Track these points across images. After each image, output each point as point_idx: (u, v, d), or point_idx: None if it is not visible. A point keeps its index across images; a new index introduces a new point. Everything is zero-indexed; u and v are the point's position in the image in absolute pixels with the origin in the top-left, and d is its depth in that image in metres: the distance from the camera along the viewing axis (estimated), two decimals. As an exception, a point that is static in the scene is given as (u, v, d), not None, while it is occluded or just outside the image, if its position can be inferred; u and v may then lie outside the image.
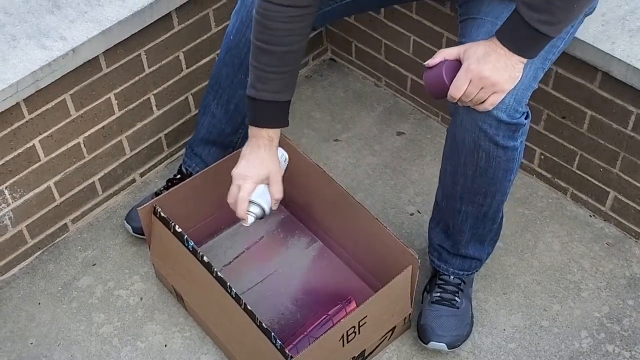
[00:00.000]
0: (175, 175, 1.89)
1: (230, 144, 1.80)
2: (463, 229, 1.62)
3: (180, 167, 1.89)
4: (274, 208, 1.57)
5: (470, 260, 1.69)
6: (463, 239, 1.64)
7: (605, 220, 1.91)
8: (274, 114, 1.52)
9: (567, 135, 1.85)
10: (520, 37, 1.33)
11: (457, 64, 1.39)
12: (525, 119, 1.43)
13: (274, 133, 1.53)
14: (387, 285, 1.53)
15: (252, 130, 1.53)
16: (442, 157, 1.58)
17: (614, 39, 1.64)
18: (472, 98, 1.36)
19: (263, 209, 1.54)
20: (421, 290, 1.75)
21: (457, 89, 1.36)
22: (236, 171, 1.53)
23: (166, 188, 1.86)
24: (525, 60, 1.36)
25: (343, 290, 1.74)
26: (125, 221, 1.90)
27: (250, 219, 1.53)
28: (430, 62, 1.41)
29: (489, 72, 1.34)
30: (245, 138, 1.77)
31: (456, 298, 1.68)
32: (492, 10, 1.47)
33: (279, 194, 1.55)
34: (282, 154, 1.60)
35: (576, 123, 1.81)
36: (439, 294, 1.69)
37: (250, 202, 1.52)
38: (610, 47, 1.62)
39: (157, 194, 1.86)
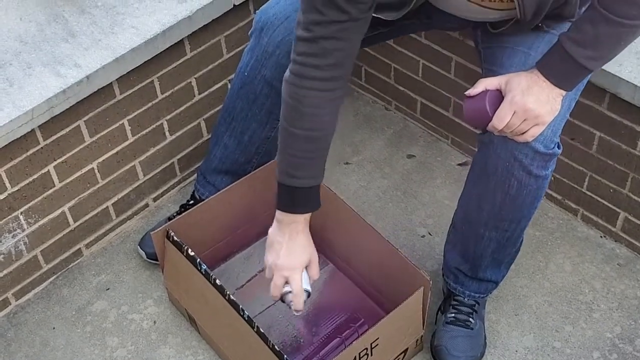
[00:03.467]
0: (188, 201, 1.91)
1: (244, 172, 1.82)
2: (485, 254, 1.62)
3: (194, 193, 1.91)
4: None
5: (487, 283, 1.69)
6: (483, 264, 1.64)
7: (616, 240, 1.91)
8: (311, 199, 1.49)
9: (576, 157, 1.86)
10: (565, 72, 1.34)
11: (499, 94, 1.38)
12: (558, 148, 1.44)
13: (309, 215, 1.51)
14: (398, 307, 1.53)
15: (288, 217, 1.48)
16: (467, 182, 1.58)
17: (622, 61, 1.65)
18: (513, 129, 1.36)
19: (310, 293, 1.54)
20: (435, 311, 1.75)
21: (501, 121, 1.35)
22: (279, 262, 1.49)
23: (179, 214, 1.88)
24: (564, 93, 1.37)
25: (355, 312, 1.75)
26: (138, 247, 1.92)
27: (305, 307, 1.53)
28: (472, 91, 1.40)
29: (533, 104, 1.34)
30: (258, 166, 1.79)
31: (470, 319, 1.69)
32: (523, 40, 1.47)
33: (317, 274, 1.54)
34: None
35: (585, 144, 1.82)
36: (453, 315, 1.69)
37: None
38: (617, 69, 1.64)
39: (170, 219, 1.88)
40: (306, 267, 1.53)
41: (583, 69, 1.33)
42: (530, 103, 1.34)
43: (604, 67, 1.63)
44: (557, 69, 1.34)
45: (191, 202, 1.90)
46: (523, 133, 1.37)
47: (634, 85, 1.61)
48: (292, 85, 1.38)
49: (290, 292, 1.50)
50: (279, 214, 1.49)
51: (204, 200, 1.82)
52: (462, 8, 1.48)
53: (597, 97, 1.72)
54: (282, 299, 1.53)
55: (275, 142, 1.78)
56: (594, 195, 1.89)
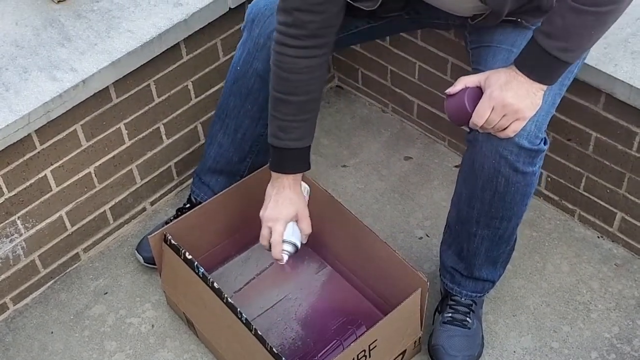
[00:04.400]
0: (184, 205, 1.91)
1: (238, 172, 1.82)
2: (478, 252, 1.63)
3: (190, 196, 1.91)
4: (304, 242, 1.60)
5: (483, 282, 1.69)
6: (477, 262, 1.65)
7: (613, 241, 1.92)
8: (298, 160, 1.56)
9: (573, 157, 1.87)
10: (539, 65, 1.35)
11: (479, 91, 1.40)
12: (544, 144, 1.44)
13: (299, 174, 1.57)
14: (396, 309, 1.54)
15: (277, 175, 1.56)
16: (457, 182, 1.59)
17: (617, 61, 1.65)
18: (494, 125, 1.38)
19: (296, 246, 1.57)
20: (432, 312, 1.75)
21: (480, 116, 1.37)
22: (265, 214, 1.56)
23: (176, 217, 1.88)
24: (545, 87, 1.38)
25: (353, 314, 1.75)
26: (136, 251, 1.92)
27: (285, 258, 1.57)
28: (452, 90, 1.42)
29: (512, 99, 1.35)
30: (252, 166, 1.79)
31: (468, 318, 1.69)
32: (506, 38, 1.48)
33: (309, 228, 1.59)
34: (305, 187, 1.62)
35: (581, 145, 1.82)
36: (450, 315, 1.69)
37: (284, 241, 1.55)
38: (613, 69, 1.64)
39: (167, 223, 1.88)
40: (297, 222, 1.58)
41: (558, 62, 1.34)
42: (509, 98, 1.35)
43: (599, 67, 1.65)
44: (533, 63, 1.35)
45: (187, 205, 1.90)
46: (505, 129, 1.38)
47: (630, 86, 1.61)
48: (275, 53, 1.47)
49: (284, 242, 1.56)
50: (271, 172, 1.57)
51: (200, 202, 1.82)
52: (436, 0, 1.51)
53: (593, 97, 1.72)
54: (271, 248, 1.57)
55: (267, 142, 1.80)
56: (590, 196, 1.89)
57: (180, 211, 1.89)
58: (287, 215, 1.56)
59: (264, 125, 1.72)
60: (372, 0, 1.50)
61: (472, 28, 1.57)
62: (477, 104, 1.38)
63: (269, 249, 1.57)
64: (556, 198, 1.98)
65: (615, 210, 1.86)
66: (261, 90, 1.67)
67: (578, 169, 1.87)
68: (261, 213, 1.58)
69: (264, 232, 1.57)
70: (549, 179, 1.95)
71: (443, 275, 1.73)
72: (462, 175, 1.56)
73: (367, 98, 2.31)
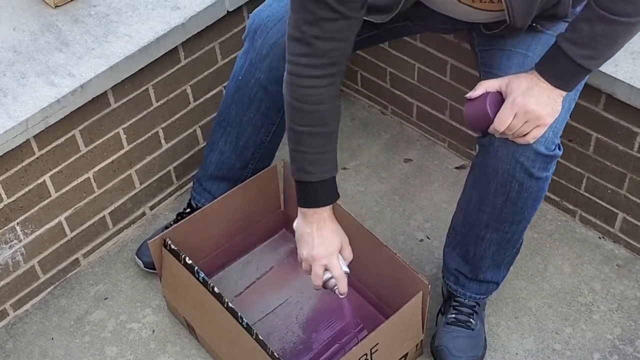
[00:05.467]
0: (185, 209, 1.90)
1: (240, 178, 1.81)
2: (485, 255, 1.62)
3: (190, 201, 1.90)
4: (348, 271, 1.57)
5: (487, 284, 1.69)
6: (483, 265, 1.64)
7: (614, 241, 1.91)
8: (331, 189, 1.51)
9: (573, 158, 1.86)
10: (563, 72, 1.34)
11: (500, 96, 1.38)
12: (559, 150, 1.44)
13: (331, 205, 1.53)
14: (398, 312, 1.53)
15: (310, 210, 1.50)
16: (466, 185, 1.58)
17: (617, 61, 1.65)
18: (515, 131, 1.36)
19: (348, 274, 1.54)
20: (434, 315, 1.75)
21: (502, 122, 1.35)
22: (314, 252, 1.50)
23: (176, 222, 1.88)
24: (565, 93, 1.37)
25: (354, 317, 1.74)
26: (136, 256, 1.91)
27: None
28: (472, 94, 1.40)
29: (534, 105, 1.34)
30: (254, 172, 1.78)
31: (471, 319, 1.68)
32: (520, 42, 1.47)
33: (351, 255, 1.55)
34: None
35: (582, 146, 1.82)
36: (454, 316, 1.69)
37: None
38: (613, 70, 1.64)
39: (166, 227, 1.87)
40: (341, 252, 1.54)
41: (582, 69, 1.33)
42: (532, 104, 1.34)
43: (599, 67, 1.64)
44: (556, 70, 1.34)
45: (187, 210, 1.89)
46: (525, 135, 1.37)
47: (630, 86, 1.61)
48: (291, 85, 1.41)
49: (331, 278, 1.52)
50: (301, 209, 1.51)
51: (200, 208, 1.81)
52: (452, 9, 1.48)
53: (593, 97, 1.72)
54: (325, 286, 1.54)
55: (271, 147, 1.79)
56: (591, 197, 1.88)
57: (180, 216, 1.89)
58: (338, 248, 1.52)
59: (266, 132, 1.73)
60: (384, 14, 1.48)
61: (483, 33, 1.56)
62: (497, 110, 1.36)
63: (324, 287, 1.53)
64: (557, 199, 1.97)
65: (616, 211, 1.85)
66: (263, 99, 1.66)
67: (579, 169, 1.87)
68: (307, 252, 1.51)
69: (318, 270, 1.50)
70: (550, 180, 1.94)
71: (447, 277, 1.72)
72: (473, 179, 1.55)
73: (366, 100, 2.31)
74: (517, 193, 1.46)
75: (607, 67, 1.64)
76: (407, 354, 1.65)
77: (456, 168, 2.11)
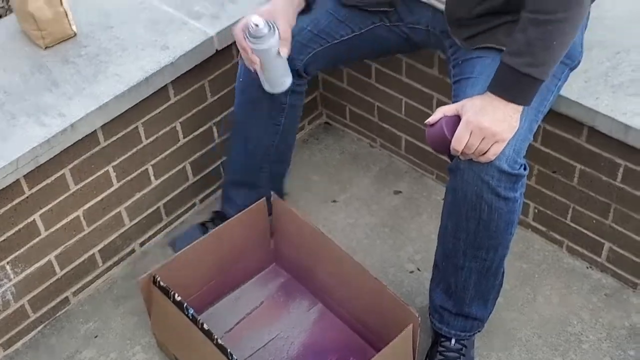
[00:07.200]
0: (212, 218, 2.00)
1: (258, 182, 1.88)
2: (467, 285, 1.63)
3: (221, 209, 1.99)
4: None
5: (472, 320, 1.69)
6: (467, 297, 1.65)
7: (602, 271, 1.92)
8: None
9: (559, 189, 1.88)
10: (511, 85, 1.39)
11: (457, 119, 1.44)
12: (524, 170, 1.47)
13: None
14: (388, 345, 1.53)
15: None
16: (442, 216, 1.60)
17: (598, 94, 1.67)
18: (474, 150, 1.40)
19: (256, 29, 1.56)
20: (425, 348, 1.75)
21: (459, 141, 1.40)
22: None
23: (211, 220, 2.00)
24: (520, 108, 1.41)
25: (345, 351, 1.74)
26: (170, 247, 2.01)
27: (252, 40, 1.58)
28: (431, 119, 1.46)
29: (488, 122, 1.39)
30: (272, 176, 1.89)
31: None
32: (485, 69, 1.52)
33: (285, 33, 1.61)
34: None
35: (567, 177, 1.84)
36: None
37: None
38: (594, 103, 1.66)
39: (203, 224, 1.97)
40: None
41: (528, 78, 1.38)
42: (486, 122, 1.38)
43: (580, 100, 1.67)
44: (505, 84, 1.40)
45: (217, 213, 1.98)
46: (485, 152, 1.41)
47: (611, 118, 1.63)
48: None
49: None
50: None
51: (229, 217, 1.85)
52: None
53: (576, 130, 1.74)
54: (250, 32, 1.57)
55: (283, 148, 1.87)
56: (578, 227, 1.90)
57: (213, 220, 1.99)
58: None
59: (273, 133, 1.81)
60: None
61: (455, 57, 1.61)
62: (455, 131, 1.42)
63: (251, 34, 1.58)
64: (544, 229, 1.99)
65: (602, 241, 1.87)
66: (263, 100, 1.73)
67: (564, 200, 1.88)
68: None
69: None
70: (536, 211, 1.96)
71: (432, 314, 1.72)
72: (446, 207, 1.57)
73: (355, 134, 2.33)
74: (487, 215, 1.49)
75: (588, 100, 1.67)
76: (397, 387, 1.65)
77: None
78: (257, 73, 1.65)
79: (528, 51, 1.36)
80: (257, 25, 1.55)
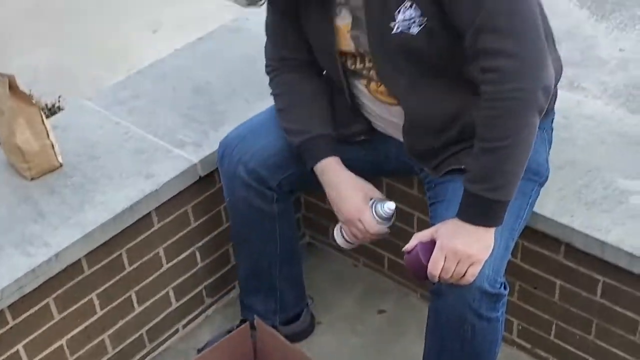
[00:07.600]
0: (237, 325, 1.99)
1: (269, 279, 1.91)
2: None
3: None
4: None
5: None
6: None
7: (589, 387, 1.91)
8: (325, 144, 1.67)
9: (540, 305, 1.89)
10: (478, 211, 1.42)
11: (432, 244, 1.46)
12: (505, 289, 1.49)
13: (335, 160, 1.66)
14: None
15: (319, 169, 1.66)
16: (425, 338, 1.60)
17: (572, 212, 1.72)
18: (451, 273, 1.42)
19: (387, 217, 1.63)
20: None
21: (435, 266, 1.43)
22: (345, 213, 1.64)
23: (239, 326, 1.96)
24: (492, 228, 1.44)
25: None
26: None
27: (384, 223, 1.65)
28: (408, 247, 1.49)
29: (461, 246, 1.41)
30: (284, 276, 1.92)
31: None
32: (457, 192, 1.54)
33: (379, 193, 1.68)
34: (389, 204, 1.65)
35: (547, 293, 1.86)
36: None
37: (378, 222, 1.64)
38: (569, 220, 1.70)
39: (229, 331, 1.95)
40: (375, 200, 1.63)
41: (491, 202, 1.41)
42: (459, 245, 1.41)
43: (555, 218, 1.71)
44: (471, 210, 1.43)
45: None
46: (463, 275, 1.42)
47: (586, 235, 1.67)
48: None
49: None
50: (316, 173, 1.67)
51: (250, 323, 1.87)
52: (373, 107, 1.65)
53: (553, 247, 1.77)
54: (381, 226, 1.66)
55: (284, 258, 1.91)
56: (562, 343, 1.90)
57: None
58: (365, 197, 1.63)
59: (272, 246, 1.86)
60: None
61: (429, 181, 1.66)
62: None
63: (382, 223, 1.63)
64: (528, 346, 1.98)
65: (586, 356, 1.86)
66: (249, 213, 1.80)
67: (547, 316, 1.89)
68: (341, 217, 1.66)
69: (356, 230, 1.64)
70: (520, 327, 1.97)
71: None
72: (429, 330, 1.58)
73: (338, 253, 2.35)
74: (471, 336, 1.49)
75: (564, 218, 1.70)
76: None
77: (429, 318, 2.13)
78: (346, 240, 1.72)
79: (485, 177, 1.40)
80: (392, 209, 1.64)
